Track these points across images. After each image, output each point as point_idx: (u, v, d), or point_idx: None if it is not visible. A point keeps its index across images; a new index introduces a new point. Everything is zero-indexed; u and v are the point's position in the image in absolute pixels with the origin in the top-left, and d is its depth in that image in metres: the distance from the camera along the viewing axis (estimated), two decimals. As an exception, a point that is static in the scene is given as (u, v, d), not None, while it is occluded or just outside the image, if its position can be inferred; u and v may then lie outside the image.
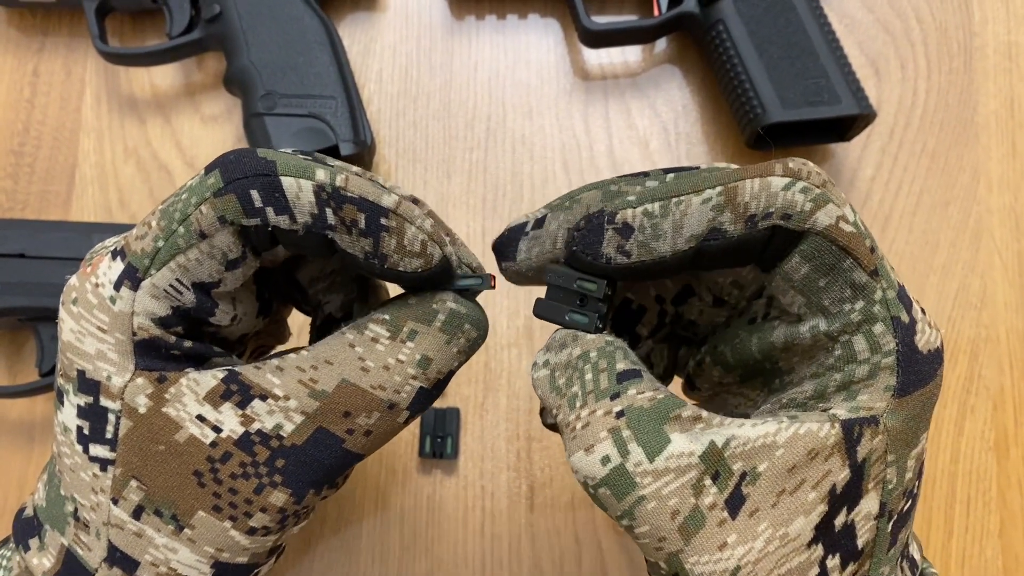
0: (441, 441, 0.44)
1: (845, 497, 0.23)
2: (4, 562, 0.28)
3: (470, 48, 0.51)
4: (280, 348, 0.34)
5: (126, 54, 0.48)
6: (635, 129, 0.50)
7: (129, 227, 0.44)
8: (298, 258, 0.29)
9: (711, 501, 0.22)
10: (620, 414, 0.23)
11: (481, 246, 0.48)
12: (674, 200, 0.23)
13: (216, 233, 0.24)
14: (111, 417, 0.25)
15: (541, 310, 0.26)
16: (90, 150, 0.50)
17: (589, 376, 0.24)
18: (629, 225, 0.24)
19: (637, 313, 0.30)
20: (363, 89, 0.50)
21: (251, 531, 0.26)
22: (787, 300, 0.25)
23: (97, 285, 0.25)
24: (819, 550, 0.23)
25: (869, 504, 0.23)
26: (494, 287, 0.27)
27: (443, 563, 0.44)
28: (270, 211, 0.24)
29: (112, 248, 0.25)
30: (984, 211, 0.49)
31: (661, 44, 0.52)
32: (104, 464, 0.25)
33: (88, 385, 0.25)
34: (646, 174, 0.26)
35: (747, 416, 0.27)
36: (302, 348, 0.26)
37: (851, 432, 0.23)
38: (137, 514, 0.25)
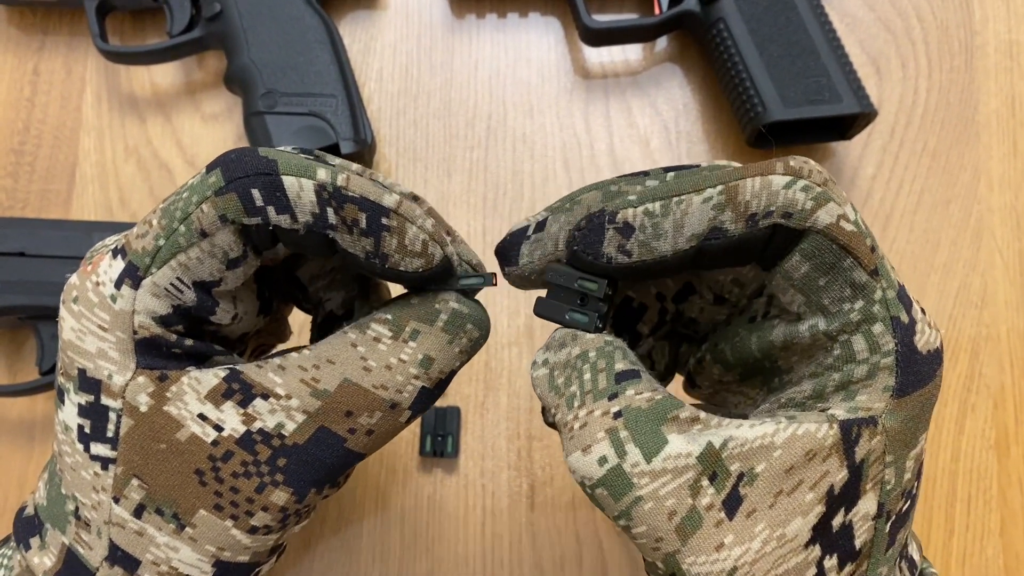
0: (442, 440, 0.44)
1: (843, 498, 0.23)
2: (5, 561, 0.28)
3: (471, 46, 0.51)
4: (281, 347, 0.34)
5: (126, 52, 0.48)
6: (636, 128, 0.50)
7: (130, 226, 0.44)
8: (299, 256, 0.29)
9: (708, 502, 0.22)
10: (618, 415, 0.23)
11: (482, 245, 0.48)
12: (675, 199, 0.23)
13: (217, 232, 0.24)
14: (112, 416, 0.25)
15: (541, 309, 0.26)
16: (90, 149, 0.50)
17: (588, 376, 0.24)
18: (630, 224, 0.24)
19: (638, 311, 0.30)
20: (363, 87, 0.50)
21: (252, 530, 0.26)
22: (787, 299, 0.25)
23: (98, 284, 0.25)
24: (816, 550, 0.23)
25: (867, 505, 0.23)
26: (495, 284, 0.27)
27: (444, 562, 0.44)
28: (271, 210, 0.23)
29: (113, 247, 0.25)
30: (985, 210, 0.49)
31: (662, 43, 0.52)
32: (105, 463, 0.25)
33: (89, 384, 0.25)
34: (646, 173, 0.26)
35: (747, 415, 0.27)
36: (304, 347, 0.26)
37: (849, 433, 0.23)
38: (138, 513, 0.25)
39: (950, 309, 0.48)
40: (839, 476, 0.23)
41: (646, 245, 0.24)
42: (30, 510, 0.28)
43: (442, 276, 0.26)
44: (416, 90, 0.51)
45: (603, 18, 0.51)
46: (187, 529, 0.25)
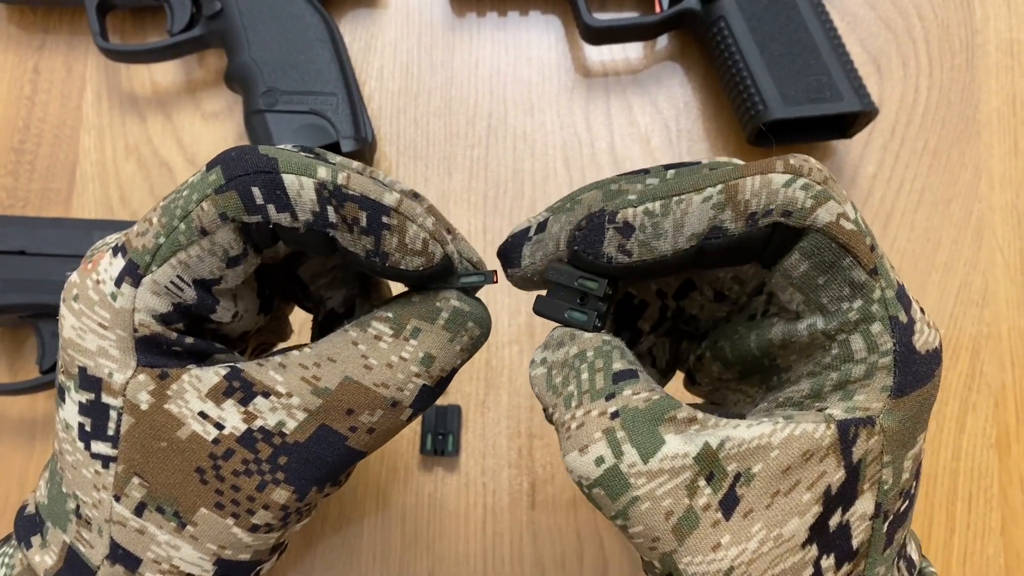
0: (442, 438, 0.44)
1: (840, 498, 0.23)
2: (6, 560, 0.28)
3: (471, 45, 0.51)
4: (282, 345, 0.34)
5: (127, 51, 0.48)
6: (636, 126, 0.50)
7: (130, 224, 0.44)
8: (299, 255, 0.29)
9: (705, 502, 0.22)
10: (615, 415, 0.23)
11: (482, 243, 0.48)
12: (675, 199, 0.23)
13: (217, 230, 0.24)
14: (113, 414, 0.25)
15: (541, 307, 0.26)
16: (91, 147, 0.50)
17: (585, 375, 0.24)
18: (630, 224, 0.24)
19: (639, 308, 0.30)
20: (364, 86, 0.50)
21: (253, 528, 0.26)
22: (786, 297, 0.25)
23: (98, 282, 0.25)
24: (813, 550, 0.23)
25: (864, 505, 0.23)
26: (496, 282, 0.27)
27: (444, 561, 0.44)
28: (271, 208, 0.23)
29: (113, 245, 0.25)
30: (986, 208, 0.49)
31: (663, 41, 0.52)
32: (106, 461, 0.25)
33: (89, 382, 0.25)
34: (647, 171, 0.26)
35: (745, 414, 0.27)
36: (305, 345, 0.26)
37: (847, 433, 0.22)
38: (139, 511, 0.25)
39: (951, 308, 0.48)
40: (836, 476, 0.22)
41: (646, 245, 0.24)
42: (31, 509, 0.28)
43: (443, 274, 0.26)
44: (417, 88, 0.51)
45: (604, 16, 0.51)
46: (188, 527, 0.25)
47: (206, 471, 0.25)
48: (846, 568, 0.23)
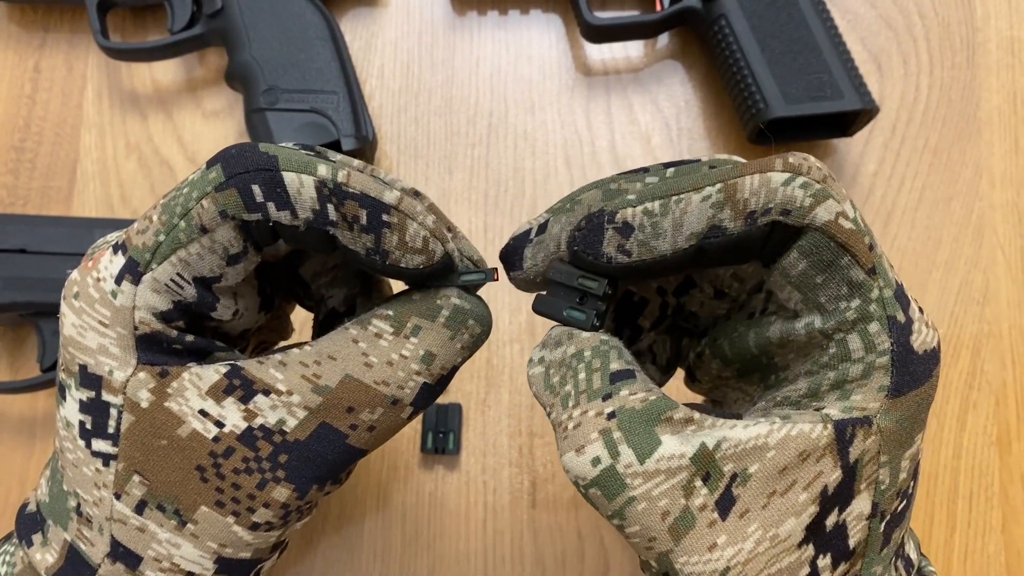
0: (443, 437, 0.44)
1: (837, 498, 0.23)
2: (8, 558, 0.28)
3: (472, 44, 0.51)
4: (283, 344, 0.34)
5: (127, 49, 0.48)
6: (637, 124, 0.50)
7: (130, 222, 0.44)
8: (300, 253, 0.29)
9: (701, 502, 0.22)
10: (611, 415, 0.23)
11: (483, 242, 0.48)
12: (674, 198, 0.23)
13: (217, 228, 0.24)
14: (113, 412, 0.25)
15: (540, 306, 0.26)
16: (91, 146, 0.50)
17: (582, 375, 0.24)
18: (629, 224, 0.24)
19: (639, 305, 0.30)
20: (365, 85, 0.50)
21: (254, 526, 0.26)
22: (784, 295, 0.25)
23: (98, 279, 0.25)
24: (810, 550, 0.23)
25: (861, 504, 0.23)
26: (496, 280, 0.27)
27: (445, 559, 0.44)
28: (271, 206, 0.23)
29: (113, 242, 0.25)
30: (987, 207, 0.49)
31: (663, 39, 0.52)
32: (106, 459, 0.25)
33: (90, 380, 0.25)
34: (646, 170, 0.26)
35: (743, 413, 0.27)
36: (305, 343, 0.26)
37: (844, 433, 0.22)
38: (140, 509, 0.25)
39: (951, 306, 0.48)
40: (833, 476, 0.22)
41: (645, 244, 0.24)
42: (32, 507, 0.28)
43: (443, 272, 0.26)
44: (417, 87, 0.51)
45: (604, 15, 0.51)
46: (188, 525, 0.25)
47: (206, 469, 0.25)
48: (843, 568, 0.23)
